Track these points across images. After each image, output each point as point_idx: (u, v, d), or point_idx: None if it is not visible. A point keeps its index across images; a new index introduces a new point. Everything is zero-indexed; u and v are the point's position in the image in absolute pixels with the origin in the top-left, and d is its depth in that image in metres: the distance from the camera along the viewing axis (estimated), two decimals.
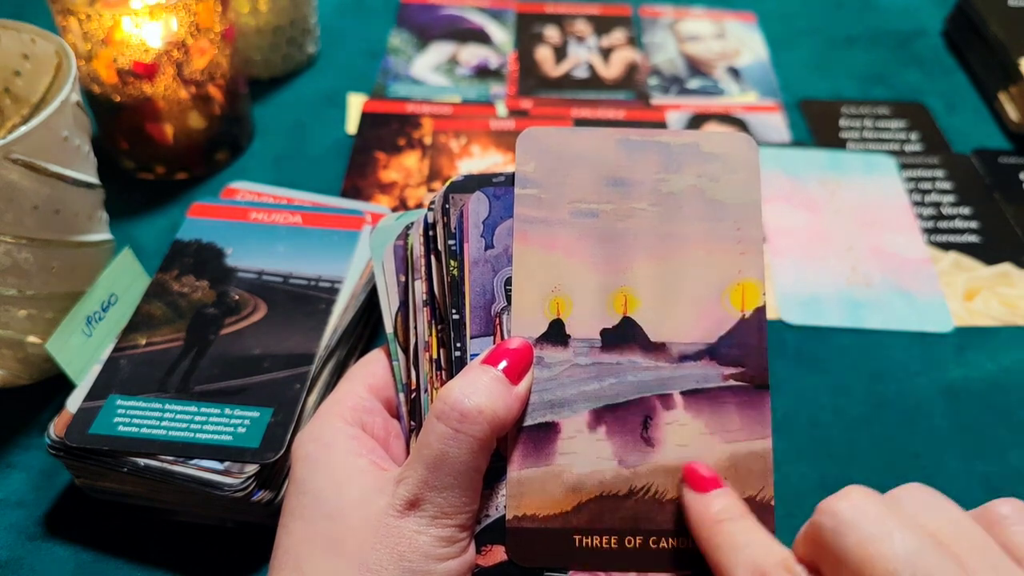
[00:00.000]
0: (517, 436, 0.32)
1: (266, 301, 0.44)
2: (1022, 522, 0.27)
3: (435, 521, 0.30)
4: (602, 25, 0.79)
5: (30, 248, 0.41)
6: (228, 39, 0.57)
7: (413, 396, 0.35)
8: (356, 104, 0.69)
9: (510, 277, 0.33)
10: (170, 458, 0.37)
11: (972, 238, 0.59)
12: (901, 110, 0.70)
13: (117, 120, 0.57)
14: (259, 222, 0.48)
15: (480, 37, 0.77)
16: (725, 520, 0.29)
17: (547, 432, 0.32)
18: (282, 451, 0.37)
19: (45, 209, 0.41)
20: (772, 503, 0.32)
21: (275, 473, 0.38)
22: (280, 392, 0.40)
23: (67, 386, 0.41)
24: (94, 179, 0.45)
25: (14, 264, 0.41)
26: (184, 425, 0.38)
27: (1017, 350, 0.52)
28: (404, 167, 0.62)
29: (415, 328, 0.35)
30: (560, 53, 0.75)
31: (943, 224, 0.60)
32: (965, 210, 0.61)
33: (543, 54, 0.75)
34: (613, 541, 0.32)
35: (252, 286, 0.45)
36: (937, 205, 0.61)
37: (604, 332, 0.33)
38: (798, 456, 0.45)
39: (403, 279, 0.37)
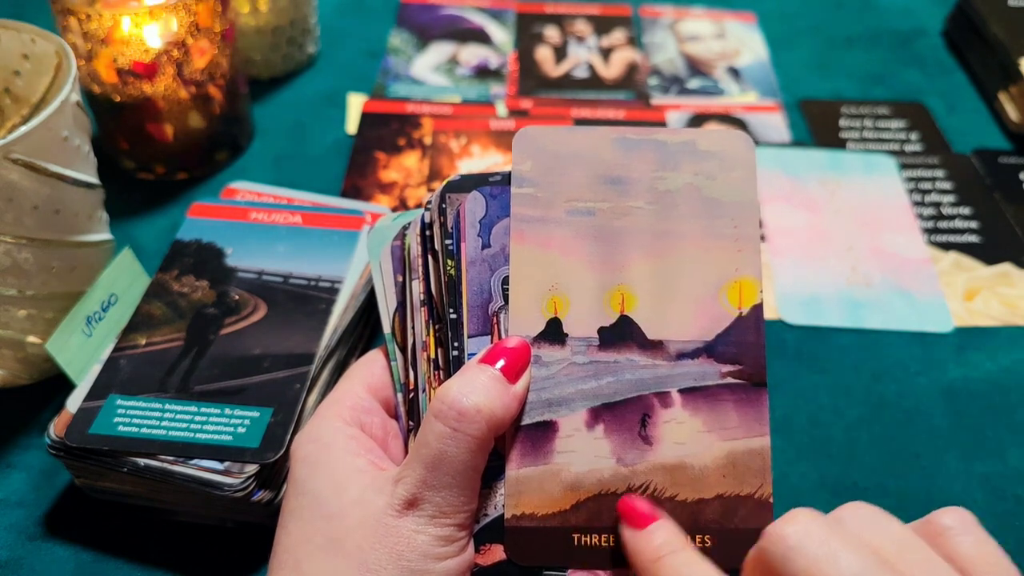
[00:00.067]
0: (515, 435, 0.32)
1: (266, 301, 0.44)
2: (966, 532, 0.28)
3: (434, 520, 0.30)
4: (602, 25, 0.79)
5: (30, 248, 0.41)
6: (228, 39, 0.57)
7: (411, 396, 0.35)
8: (356, 104, 0.69)
9: (507, 276, 0.33)
10: (170, 458, 0.37)
11: (972, 238, 0.59)
12: (901, 110, 0.70)
13: (117, 120, 0.57)
14: (259, 222, 0.48)
15: (480, 37, 0.77)
16: (666, 555, 0.29)
17: (545, 431, 0.32)
18: (282, 451, 0.37)
19: (45, 209, 0.41)
20: (771, 500, 0.32)
21: (275, 473, 0.38)
22: (280, 392, 0.40)
23: (67, 386, 0.41)
24: (94, 179, 0.45)
25: (14, 264, 0.41)
26: (184, 425, 0.38)
27: (1017, 350, 0.52)
28: (404, 167, 0.62)
29: (413, 328, 0.35)
30: (560, 53, 0.75)
31: (943, 224, 0.60)
32: (965, 210, 0.61)
33: (543, 54, 0.75)
34: (611, 539, 0.32)
35: (252, 286, 0.45)
36: (937, 205, 0.61)
37: (601, 330, 0.33)
38: (798, 456, 0.45)
39: (400, 279, 0.37)
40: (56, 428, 0.38)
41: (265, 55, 0.69)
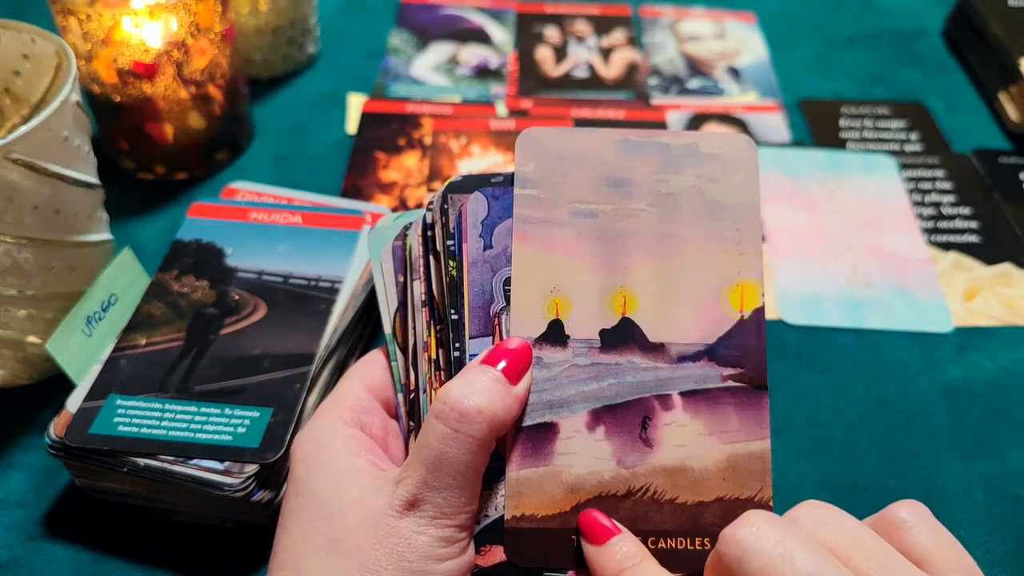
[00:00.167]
0: (516, 436, 0.32)
1: (266, 301, 0.44)
2: (921, 524, 0.28)
3: (434, 521, 0.30)
4: (602, 25, 0.79)
5: (30, 248, 0.41)
6: (228, 39, 0.57)
7: (412, 396, 0.35)
8: (356, 104, 0.69)
9: (509, 277, 0.33)
10: (170, 458, 0.37)
11: (972, 238, 0.59)
12: (901, 110, 0.70)
13: (117, 120, 0.57)
14: (259, 222, 0.48)
15: (480, 37, 0.77)
16: (627, 568, 0.29)
17: (546, 432, 0.32)
18: (282, 451, 0.37)
19: (45, 209, 0.41)
20: (771, 503, 0.32)
21: (275, 473, 0.38)
22: (280, 392, 0.40)
23: (67, 386, 0.41)
24: (94, 179, 0.45)
25: (14, 264, 0.41)
26: (184, 425, 0.38)
27: (1017, 350, 0.52)
28: (404, 167, 0.62)
29: (414, 328, 0.35)
30: (560, 53, 0.75)
31: (943, 224, 0.60)
32: (965, 210, 0.61)
33: (543, 54, 0.75)
34: None
35: (252, 286, 0.45)
36: (937, 205, 0.61)
37: (603, 332, 0.33)
38: (798, 456, 0.46)
39: (402, 279, 0.37)
40: (56, 428, 0.38)
41: (265, 55, 0.69)
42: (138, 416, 0.39)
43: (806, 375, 0.50)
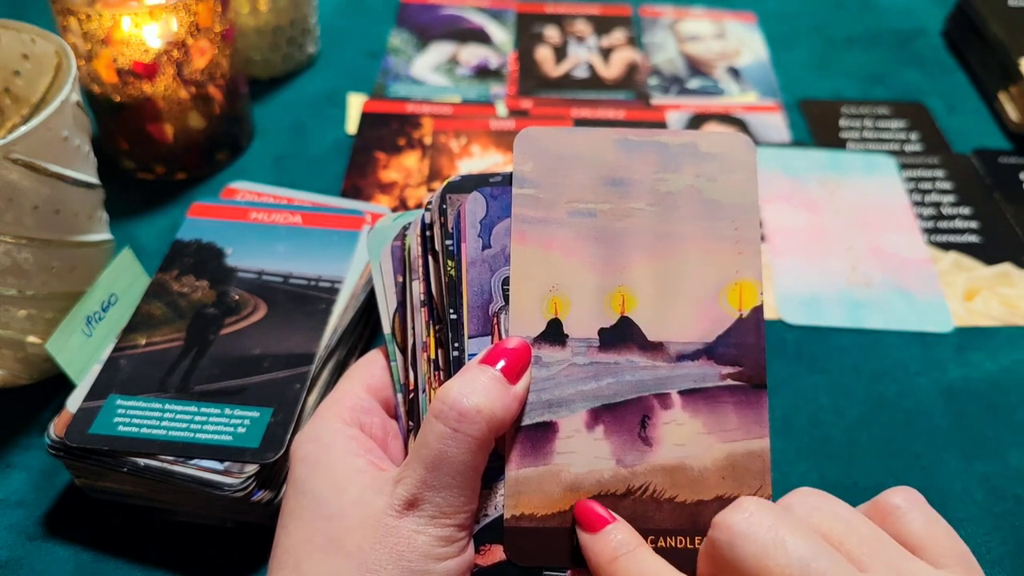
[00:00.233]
0: (515, 435, 0.32)
1: (266, 301, 0.44)
2: (915, 510, 0.28)
3: (434, 521, 0.30)
4: (602, 25, 0.79)
5: (30, 248, 0.41)
6: (228, 39, 0.57)
7: (411, 396, 0.35)
8: (356, 104, 0.69)
9: (508, 277, 0.33)
10: (170, 458, 0.37)
11: (972, 238, 0.59)
12: (901, 110, 0.70)
13: (117, 120, 0.57)
14: (259, 222, 0.48)
15: (480, 37, 0.77)
16: (621, 555, 0.29)
17: (545, 431, 0.32)
18: (282, 451, 0.37)
19: (45, 209, 0.41)
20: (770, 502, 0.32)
21: (275, 473, 0.38)
22: (280, 392, 0.40)
23: (67, 386, 0.41)
24: (94, 179, 0.45)
25: (14, 264, 0.41)
26: (184, 425, 0.38)
27: (1017, 350, 0.52)
28: (404, 167, 0.62)
29: (413, 328, 0.35)
30: (560, 53, 0.75)
31: (943, 224, 0.60)
32: (965, 210, 0.61)
33: (543, 54, 0.75)
34: None
35: (252, 286, 0.45)
36: (937, 205, 0.61)
37: (602, 332, 0.33)
38: (798, 456, 0.45)
39: (401, 279, 0.37)
40: (56, 428, 0.38)
41: (265, 55, 0.69)
42: (138, 416, 0.39)
43: (806, 375, 0.50)
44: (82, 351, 0.43)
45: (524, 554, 0.32)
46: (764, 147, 0.65)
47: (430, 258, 0.35)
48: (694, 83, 0.73)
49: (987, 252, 0.58)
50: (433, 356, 0.34)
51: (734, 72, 0.74)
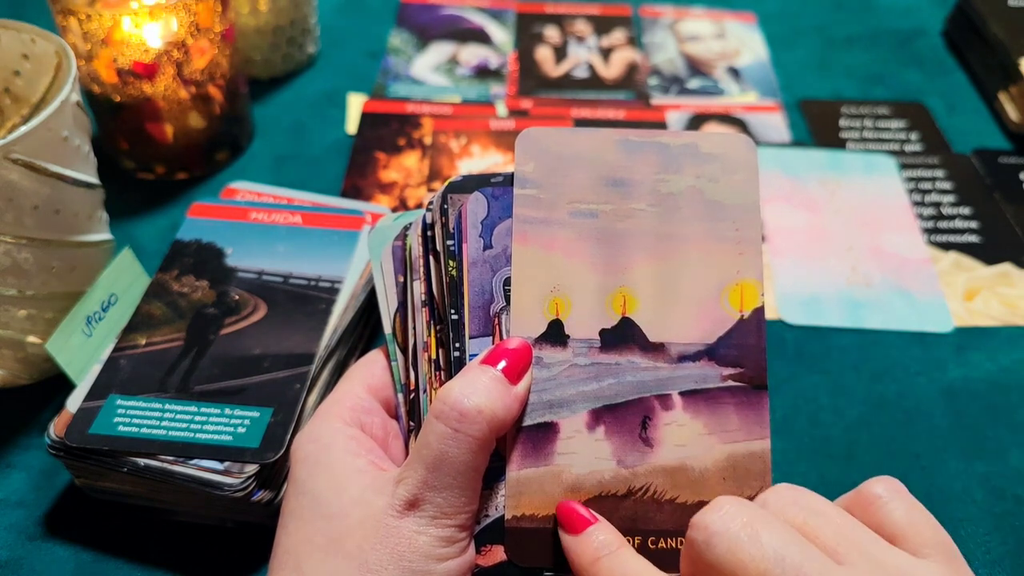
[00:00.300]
0: (516, 436, 0.32)
1: (266, 301, 0.44)
2: (896, 499, 0.28)
3: (435, 521, 0.30)
4: (602, 25, 0.79)
5: (30, 248, 0.41)
6: (228, 39, 0.57)
7: (412, 396, 0.35)
8: (356, 104, 0.69)
9: (509, 277, 0.33)
10: (170, 458, 0.37)
11: (972, 238, 0.59)
12: (901, 110, 0.70)
13: (117, 120, 0.57)
14: (259, 222, 0.48)
15: (480, 37, 0.77)
16: (603, 556, 0.29)
17: (546, 432, 0.32)
18: (282, 451, 0.37)
19: (45, 209, 0.41)
20: None
21: (275, 473, 0.38)
22: (280, 392, 0.40)
23: (67, 386, 0.41)
24: (94, 179, 0.45)
25: (14, 264, 0.41)
26: (184, 425, 0.38)
27: (1017, 350, 0.52)
28: (404, 167, 0.62)
29: (414, 328, 0.35)
30: (560, 53, 0.75)
31: (943, 224, 0.60)
32: (965, 210, 0.61)
33: (543, 54, 0.75)
34: None
35: (252, 286, 0.45)
36: (937, 205, 0.61)
37: (603, 332, 0.33)
38: (798, 456, 0.45)
39: (402, 279, 0.37)
40: (56, 428, 0.38)
41: (265, 55, 0.69)
42: (138, 416, 0.39)
43: (806, 375, 0.50)
44: (82, 351, 0.42)
45: (525, 555, 0.32)
46: (764, 147, 0.65)
47: (431, 258, 0.35)
48: (694, 83, 0.73)
49: (987, 252, 0.58)
50: (434, 356, 0.34)
51: (734, 72, 0.74)
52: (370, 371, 0.36)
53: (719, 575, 0.26)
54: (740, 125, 0.68)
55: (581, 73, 0.73)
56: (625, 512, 0.32)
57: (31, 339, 0.44)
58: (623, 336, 0.33)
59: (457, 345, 0.33)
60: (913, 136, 0.68)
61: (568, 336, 0.33)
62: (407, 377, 0.35)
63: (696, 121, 0.68)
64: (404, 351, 0.36)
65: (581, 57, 0.75)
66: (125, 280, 0.46)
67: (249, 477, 0.37)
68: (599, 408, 0.32)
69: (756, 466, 0.32)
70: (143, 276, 0.47)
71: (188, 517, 0.41)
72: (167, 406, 0.39)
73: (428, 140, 0.64)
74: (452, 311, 0.34)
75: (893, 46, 0.78)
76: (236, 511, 0.39)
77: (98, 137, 0.56)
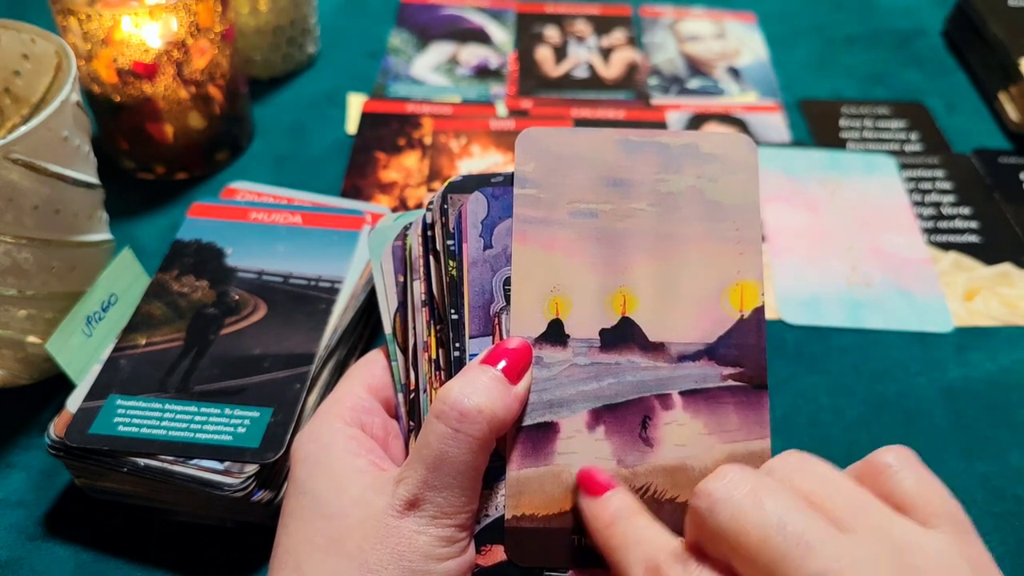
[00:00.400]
0: (516, 436, 0.32)
1: (266, 301, 0.44)
2: (906, 468, 0.28)
3: (435, 521, 0.30)
4: (602, 25, 0.79)
5: (30, 248, 0.41)
6: (228, 39, 0.57)
7: (412, 396, 0.35)
8: (356, 104, 0.69)
9: (509, 277, 0.33)
10: (170, 458, 0.37)
11: (972, 238, 0.59)
12: (901, 110, 0.70)
13: (117, 120, 0.57)
14: (259, 222, 0.48)
15: (480, 37, 0.77)
16: (619, 520, 0.29)
17: (546, 432, 0.32)
18: (282, 451, 0.37)
19: (45, 209, 0.41)
20: None
21: (275, 473, 0.38)
22: (280, 392, 0.40)
23: (67, 386, 0.41)
24: (94, 179, 0.45)
25: (14, 264, 0.41)
26: (184, 425, 0.38)
27: (1017, 350, 0.52)
28: (404, 167, 0.62)
29: (414, 328, 0.35)
30: (560, 53, 0.75)
31: (943, 224, 0.60)
32: (965, 210, 0.61)
33: (543, 54, 0.75)
34: None
35: (252, 286, 0.45)
36: (937, 205, 0.61)
37: (603, 332, 0.33)
38: None
39: (402, 279, 0.37)
40: (56, 428, 0.38)
41: (265, 55, 0.69)
42: (138, 416, 0.39)
43: (806, 375, 0.50)
44: (82, 351, 0.42)
45: (525, 554, 0.32)
46: (764, 147, 0.65)
47: (431, 258, 0.35)
48: (694, 83, 0.73)
49: (987, 252, 0.58)
50: (434, 356, 0.34)
51: (734, 72, 0.74)
52: (370, 371, 0.36)
53: (722, 542, 0.26)
54: (740, 125, 0.68)
55: (581, 73, 0.73)
56: None
57: (31, 339, 0.44)
58: (623, 336, 0.33)
59: (457, 345, 0.33)
60: (913, 136, 0.68)
61: (568, 336, 0.33)
62: (407, 377, 0.35)
63: (696, 121, 0.68)
64: (404, 351, 0.36)
65: (581, 57, 0.75)
66: (125, 280, 0.46)
67: (249, 477, 0.37)
68: (599, 408, 0.32)
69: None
70: (143, 276, 0.47)
71: (188, 517, 0.41)
72: (167, 406, 0.39)
73: (428, 140, 0.64)
74: (452, 311, 0.34)
75: (893, 46, 0.78)
76: (236, 511, 0.39)
77: (98, 137, 0.56)
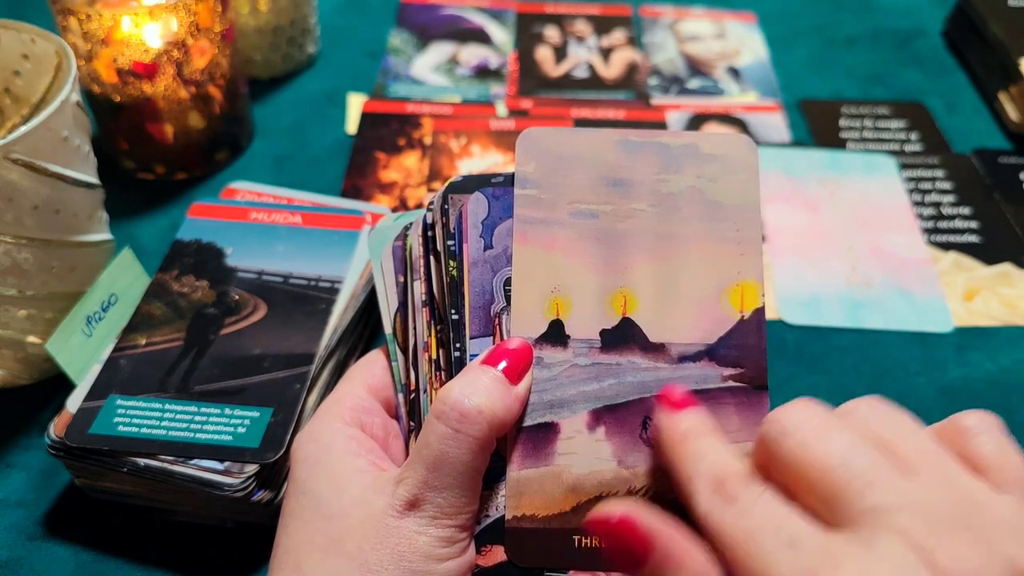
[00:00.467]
0: (517, 436, 0.32)
1: (266, 301, 0.44)
2: (987, 432, 0.27)
3: (435, 521, 0.30)
4: (602, 25, 0.79)
5: (30, 248, 0.41)
6: (228, 39, 0.57)
7: (412, 396, 0.35)
8: (356, 104, 0.69)
9: (509, 277, 0.33)
10: (170, 458, 0.37)
11: (972, 238, 0.59)
12: (901, 110, 0.70)
13: (117, 120, 0.57)
14: (259, 222, 0.48)
15: (480, 37, 0.77)
16: (692, 436, 0.29)
17: (546, 432, 0.32)
18: (282, 451, 0.37)
19: (45, 209, 0.41)
20: None
21: (275, 473, 0.38)
22: (280, 392, 0.40)
23: (67, 386, 0.41)
24: (94, 179, 0.45)
25: (14, 264, 0.41)
26: (184, 425, 0.38)
27: (1017, 350, 0.52)
28: (404, 167, 0.62)
29: (414, 329, 0.35)
30: (560, 53, 0.75)
31: (943, 224, 0.60)
32: (965, 210, 0.61)
33: (543, 54, 0.75)
34: None
35: (252, 286, 0.45)
36: (937, 205, 0.61)
37: (603, 333, 0.33)
38: None
39: (402, 280, 0.37)
40: (56, 428, 0.38)
41: (265, 55, 0.69)
42: (138, 416, 0.39)
43: (806, 375, 0.50)
44: (82, 351, 0.42)
45: (525, 555, 0.32)
46: (764, 147, 0.65)
47: (432, 258, 0.35)
48: (694, 83, 0.73)
49: (987, 252, 0.58)
50: (434, 356, 0.34)
51: (734, 72, 0.74)
52: (370, 371, 0.36)
53: (786, 470, 0.25)
54: (740, 125, 0.68)
55: (581, 73, 0.73)
56: None
57: (31, 339, 0.44)
58: (623, 336, 0.33)
59: (457, 345, 0.33)
60: (913, 136, 0.68)
61: (568, 336, 0.33)
62: (407, 377, 0.35)
63: (696, 121, 0.68)
64: (404, 351, 0.36)
65: (581, 57, 0.75)
66: (125, 280, 0.46)
67: (249, 477, 0.37)
68: (600, 408, 0.32)
69: None
70: (143, 276, 0.47)
71: (188, 517, 0.41)
72: (167, 406, 0.39)
73: (428, 140, 0.64)
74: (452, 311, 0.34)
75: (893, 46, 0.78)
76: (236, 511, 0.39)
77: (98, 137, 0.56)
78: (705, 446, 0.28)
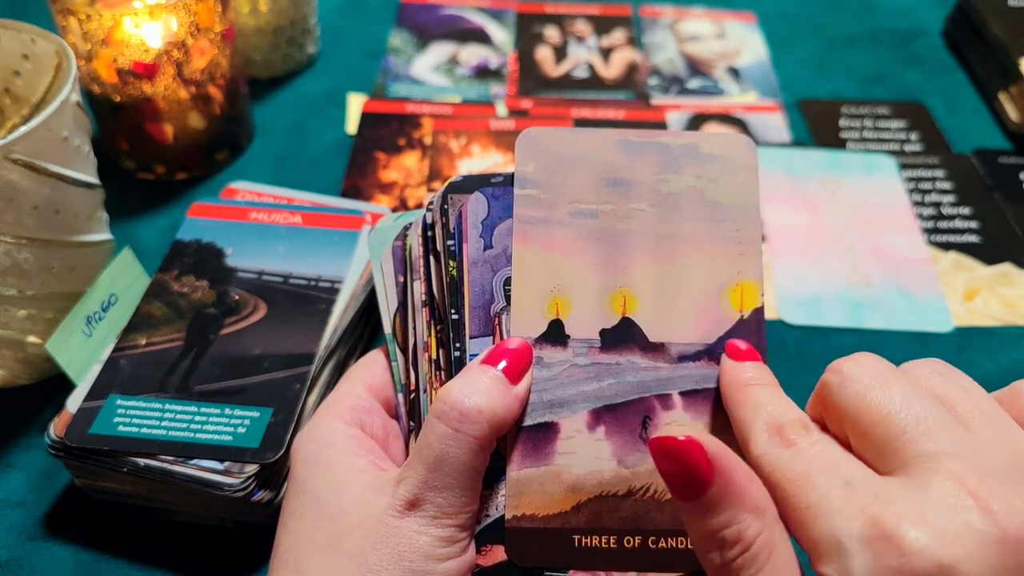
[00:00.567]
0: (516, 436, 0.32)
1: (266, 301, 0.44)
2: None
3: (435, 521, 0.30)
4: (602, 25, 0.79)
5: (30, 248, 0.41)
6: (228, 39, 0.57)
7: (412, 396, 0.35)
8: (356, 104, 0.69)
9: (509, 277, 0.33)
10: (170, 458, 0.37)
11: (972, 238, 0.59)
12: (901, 110, 0.70)
13: (117, 120, 0.57)
14: (259, 222, 0.48)
15: (480, 37, 0.77)
16: (753, 385, 0.30)
17: (546, 432, 0.32)
18: (282, 451, 0.37)
19: (45, 209, 0.41)
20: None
21: (275, 473, 0.38)
22: (280, 392, 0.40)
23: (67, 386, 0.41)
24: (94, 179, 0.45)
25: (14, 264, 0.41)
26: (184, 425, 0.38)
27: (1017, 350, 0.52)
28: (404, 167, 0.62)
29: (414, 328, 0.35)
30: (560, 53, 0.75)
31: (943, 224, 0.60)
32: (965, 210, 0.61)
33: (543, 54, 0.75)
34: (612, 541, 0.32)
35: (252, 286, 0.45)
36: (937, 205, 0.61)
37: (603, 332, 0.33)
38: None
39: (402, 279, 0.37)
40: (56, 428, 0.38)
41: (265, 55, 0.69)
42: (138, 416, 0.39)
43: (806, 375, 0.50)
44: (82, 351, 0.42)
45: (525, 555, 0.32)
46: (764, 147, 0.65)
47: (431, 258, 0.35)
48: (694, 83, 0.73)
49: (987, 252, 0.58)
50: (434, 356, 0.34)
51: (734, 72, 0.74)
52: (370, 371, 0.36)
53: (844, 417, 0.26)
54: (740, 125, 0.68)
55: (581, 73, 0.73)
56: (626, 512, 0.32)
57: (31, 339, 0.44)
58: (623, 336, 0.33)
59: (457, 345, 0.33)
60: (913, 136, 0.68)
61: (568, 336, 0.33)
62: (407, 377, 0.35)
63: (696, 121, 0.68)
64: (404, 351, 0.36)
65: (581, 57, 0.75)
66: (125, 280, 0.46)
67: (249, 477, 0.37)
68: (599, 408, 0.32)
69: None
70: (143, 276, 0.47)
71: (188, 517, 0.41)
72: (167, 406, 0.39)
73: (428, 140, 0.64)
74: (452, 311, 0.34)
75: (893, 46, 0.78)
76: (236, 511, 0.39)
77: (98, 137, 0.56)
78: (766, 394, 0.29)
